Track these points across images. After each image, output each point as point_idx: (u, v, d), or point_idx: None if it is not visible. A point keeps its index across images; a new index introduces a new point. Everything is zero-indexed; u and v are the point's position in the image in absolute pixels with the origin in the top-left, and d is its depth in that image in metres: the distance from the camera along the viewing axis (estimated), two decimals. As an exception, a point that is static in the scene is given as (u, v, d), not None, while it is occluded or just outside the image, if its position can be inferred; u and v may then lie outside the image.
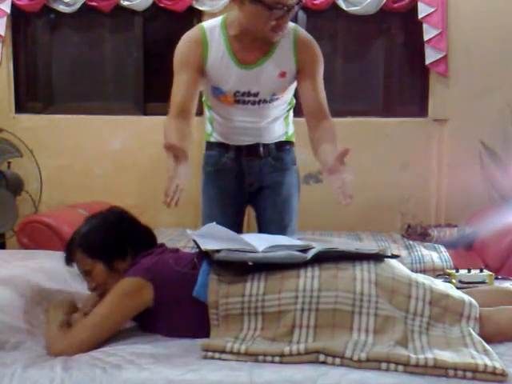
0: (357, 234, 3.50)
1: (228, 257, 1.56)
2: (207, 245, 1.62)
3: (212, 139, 2.17)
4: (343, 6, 3.66)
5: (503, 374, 1.29)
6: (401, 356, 1.34)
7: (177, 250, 1.78)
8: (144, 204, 3.82)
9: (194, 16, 3.75)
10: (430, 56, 3.63)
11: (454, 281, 2.01)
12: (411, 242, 3.26)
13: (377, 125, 3.79)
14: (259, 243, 1.63)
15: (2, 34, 3.79)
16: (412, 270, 1.76)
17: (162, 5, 3.75)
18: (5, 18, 3.78)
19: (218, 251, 1.58)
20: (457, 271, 2.08)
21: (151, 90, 3.95)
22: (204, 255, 1.64)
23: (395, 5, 3.65)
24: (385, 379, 1.30)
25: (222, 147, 2.14)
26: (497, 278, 2.13)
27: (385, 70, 3.89)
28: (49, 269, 1.97)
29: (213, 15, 2.04)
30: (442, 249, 3.14)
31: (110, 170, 3.89)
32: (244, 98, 1.99)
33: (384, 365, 1.34)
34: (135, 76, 3.97)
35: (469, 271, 2.06)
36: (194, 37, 1.95)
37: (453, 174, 3.68)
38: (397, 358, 1.34)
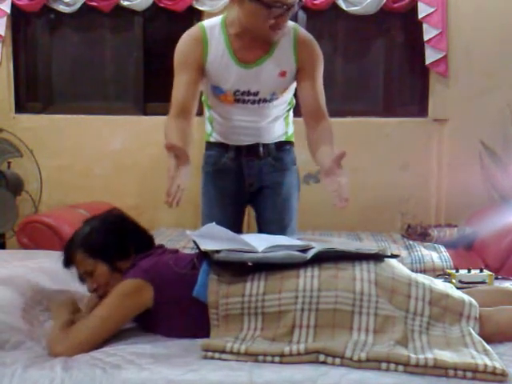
0: (357, 234, 3.50)
1: (228, 257, 1.56)
2: (207, 245, 1.62)
3: (212, 139, 2.17)
4: (343, 5, 3.66)
5: (503, 374, 1.29)
6: (401, 356, 1.34)
7: (176, 251, 1.78)
8: (144, 204, 3.83)
9: (193, 16, 3.75)
10: (430, 56, 3.63)
11: (453, 281, 2.01)
12: (411, 242, 3.26)
13: (377, 125, 3.79)
14: (259, 243, 1.63)
15: (2, 33, 3.79)
16: (412, 270, 1.76)
17: (162, 5, 3.75)
18: (5, 18, 3.78)
19: (217, 251, 1.58)
20: (457, 271, 2.08)
21: (151, 90, 3.95)
22: (204, 256, 1.64)
23: (395, 5, 3.65)
24: (385, 379, 1.30)
25: (221, 147, 2.14)
26: (497, 278, 2.13)
27: (385, 70, 3.89)
28: (49, 269, 1.97)
29: (213, 15, 2.04)
30: (442, 249, 3.14)
31: (110, 170, 3.89)
32: (244, 97, 1.99)
33: (384, 365, 1.34)
34: (135, 76, 3.97)
35: (469, 271, 2.06)
36: (194, 35, 1.95)
37: (453, 174, 3.68)
38: (397, 358, 1.34)
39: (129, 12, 3.83)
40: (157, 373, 1.33)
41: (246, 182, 2.14)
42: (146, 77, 3.95)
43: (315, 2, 3.68)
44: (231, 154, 2.12)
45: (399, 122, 3.77)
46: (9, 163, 3.78)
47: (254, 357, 1.40)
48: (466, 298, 1.56)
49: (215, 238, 1.67)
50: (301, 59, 1.96)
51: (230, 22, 1.93)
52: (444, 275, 2.19)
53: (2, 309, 1.59)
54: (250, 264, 1.57)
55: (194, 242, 1.69)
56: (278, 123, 2.12)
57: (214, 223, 1.77)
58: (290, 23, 1.96)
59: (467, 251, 3.22)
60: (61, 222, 3.19)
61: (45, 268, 1.98)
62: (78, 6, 3.77)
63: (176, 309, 1.58)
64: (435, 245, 3.21)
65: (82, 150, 3.90)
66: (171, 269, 1.60)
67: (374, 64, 3.92)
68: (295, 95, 2.11)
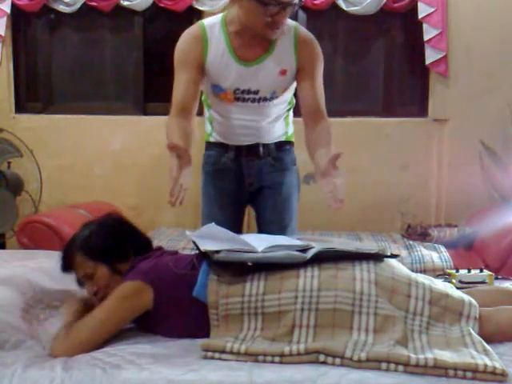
0: (357, 234, 3.50)
1: (227, 257, 1.56)
2: (206, 245, 1.62)
3: (212, 139, 2.17)
4: (343, 5, 3.66)
5: (503, 374, 1.29)
6: (401, 356, 1.34)
7: (176, 253, 1.78)
8: (144, 204, 3.84)
9: (193, 16, 3.75)
10: (430, 56, 3.63)
11: (454, 281, 2.01)
12: (411, 242, 3.26)
13: (377, 125, 3.79)
14: (259, 243, 1.63)
15: (2, 33, 3.79)
16: (412, 270, 1.76)
17: (162, 5, 3.75)
18: (5, 18, 3.78)
19: (217, 252, 1.58)
20: (457, 271, 2.08)
21: (151, 90, 3.95)
22: (203, 256, 1.64)
23: (395, 5, 3.65)
24: (385, 379, 1.30)
25: (221, 147, 2.14)
26: (497, 278, 2.13)
27: (385, 70, 3.89)
28: (49, 269, 1.97)
29: (213, 15, 2.04)
30: (442, 249, 3.14)
31: (110, 170, 3.89)
32: (244, 96, 1.99)
33: (384, 365, 1.34)
34: (135, 76, 3.97)
35: (469, 271, 2.06)
36: (194, 34, 1.95)
37: (453, 174, 3.68)
38: (397, 358, 1.34)
39: (129, 12, 3.83)
40: (157, 373, 1.33)
41: (245, 181, 2.14)
42: (145, 77, 3.95)
43: (315, 2, 3.68)
44: (231, 154, 2.12)
45: (399, 121, 3.77)
46: (9, 163, 3.78)
47: (254, 357, 1.40)
48: (466, 297, 1.56)
49: (215, 239, 1.67)
50: (301, 58, 1.96)
51: (230, 20, 1.94)
52: (444, 275, 2.19)
53: (1, 308, 1.59)
54: (249, 264, 1.57)
55: (194, 242, 1.69)
56: (278, 123, 2.12)
57: (213, 223, 1.77)
58: (291, 22, 1.97)
59: (467, 251, 3.22)
60: (61, 222, 3.19)
61: (45, 268, 1.98)
62: (77, 5, 3.78)
63: (176, 309, 1.58)
64: (435, 245, 3.21)
65: (82, 149, 3.90)
66: (171, 270, 1.60)
67: (374, 64, 3.92)
68: (295, 95, 2.11)
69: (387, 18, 3.78)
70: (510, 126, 3.56)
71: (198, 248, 1.66)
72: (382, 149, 3.75)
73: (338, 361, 1.37)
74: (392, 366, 1.33)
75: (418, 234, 3.40)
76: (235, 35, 1.93)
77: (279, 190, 2.15)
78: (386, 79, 3.89)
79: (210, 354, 1.42)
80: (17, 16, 3.87)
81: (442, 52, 3.61)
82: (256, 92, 1.98)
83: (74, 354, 1.46)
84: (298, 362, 1.38)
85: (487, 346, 1.40)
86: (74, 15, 3.84)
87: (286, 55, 1.96)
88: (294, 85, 2.05)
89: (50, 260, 2.06)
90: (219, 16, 1.98)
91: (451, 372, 1.31)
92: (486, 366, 1.30)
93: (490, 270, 2.15)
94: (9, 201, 3.57)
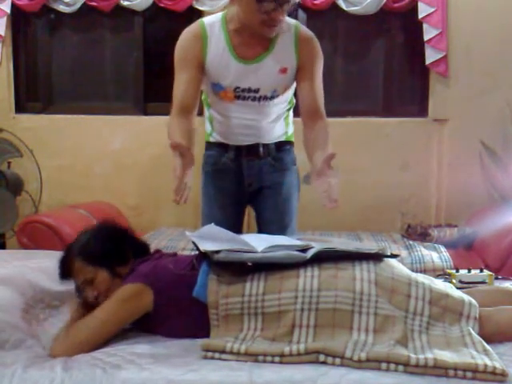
0: (357, 234, 3.50)
1: (227, 257, 1.56)
2: (206, 246, 1.62)
3: (212, 139, 2.17)
4: (343, 5, 3.66)
5: (503, 374, 1.29)
6: (401, 356, 1.34)
7: (174, 255, 1.79)
8: (144, 204, 3.84)
9: (193, 16, 3.74)
10: (430, 56, 3.63)
11: (454, 281, 2.01)
12: (411, 242, 3.26)
13: (377, 125, 3.79)
14: (258, 243, 1.63)
15: (2, 33, 3.79)
16: (412, 270, 1.76)
17: (162, 5, 3.75)
18: (5, 18, 3.78)
19: (217, 252, 1.58)
20: (457, 271, 2.08)
21: (151, 90, 3.95)
22: (203, 256, 1.64)
23: (395, 5, 3.65)
24: (385, 379, 1.30)
25: (221, 147, 2.14)
26: (497, 278, 2.13)
27: (385, 70, 3.89)
28: (49, 269, 1.97)
29: (213, 15, 2.05)
30: (442, 249, 3.14)
31: (110, 170, 3.89)
32: (244, 94, 1.99)
33: (384, 365, 1.34)
34: (135, 76, 3.98)
35: (469, 271, 2.06)
36: (194, 32, 1.96)
37: (453, 173, 3.68)
38: (397, 358, 1.34)
39: (129, 12, 3.83)
40: (157, 373, 1.33)
41: (245, 182, 2.14)
42: (145, 77, 3.95)
43: (315, 2, 3.68)
44: (231, 154, 2.12)
45: (399, 121, 3.77)
46: (9, 163, 3.78)
47: (253, 357, 1.39)
48: (466, 297, 1.56)
49: (215, 239, 1.67)
50: (302, 56, 1.96)
51: (230, 18, 1.94)
52: (444, 275, 2.19)
53: (1, 308, 1.59)
54: (249, 264, 1.57)
55: (194, 242, 1.69)
56: (278, 123, 2.12)
57: (213, 224, 1.77)
58: (291, 20, 1.97)
59: (467, 251, 3.22)
60: (61, 222, 3.19)
61: (45, 268, 1.98)
62: (78, 5, 3.78)
63: (176, 310, 1.58)
64: (435, 245, 3.21)
65: (82, 149, 3.90)
66: (170, 271, 1.60)
67: (374, 64, 3.92)
68: (295, 94, 2.11)
69: (387, 17, 3.78)
70: (510, 126, 3.56)
71: (197, 248, 1.66)
72: (382, 149, 3.75)
73: (338, 361, 1.37)
74: (392, 366, 1.33)
75: (418, 233, 3.40)
76: (235, 33, 1.94)
77: (279, 190, 2.15)
78: (386, 79, 3.89)
79: (209, 354, 1.42)
80: (17, 16, 3.88)
81: (441, 52, 3.61)
82: (256, 90, 1.98)
83: (73, 354, 1.46)
84: (297, 362, 1.38)
85: (487, 346, 1.40)
86: (74, 15, 3.84)
87: (286, 53, 1.96)
88: (295, 84, 2.05)
89: (50, 260, 2.06)
90: (220, 14, 1.99)
91: (451, 372, 1.31)
92: (486, 366, 1.30)
93: (490, 270, 2.15)
94: (9, 201, 3.57)
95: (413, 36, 3.74)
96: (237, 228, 2.14)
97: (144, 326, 1.62)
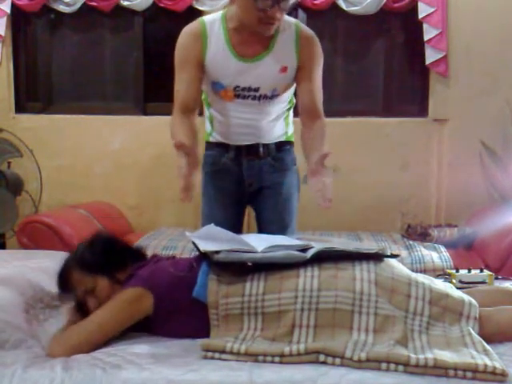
0: (357, 233, 3.50)
1: (227, 258, 1.56)
2: (206, 246, 1.62)
3: (212, 139, 2.17)
4: (343, 5, 3.67)
5: (503, 374, 1.29)
6: (401, 356, 1.34)
7: (173, 258, 1.79)
8: (144, 204, 3.84)
9: (193, 16, 3.72)
10: (430, 56, 3.63)
11: (454, 281, 2.01)
12: (411, 242, 3.26)
13: (377, 125, 3.79)
14: (258, 243, 1.63)
15: (2, 33, 3.79)
16: (412, 270, 1.76)
17: (162, 5, 3.75)
18: (5, 18, 3.78)
19: (217, 252, 1.58)
20: (457, 271, 2.08)
21: (151, 90, 3.95)
22: (203, 257, 1.64)
23: (395, 5, 3.65)
24: (385, 379, 1.30)
25: (221, 147, 2.13)
26: (497, 278, 2.13)
27: (385, 69, 3.89)
28: (49, 268, 1.97)
29: (213, 15, 2.05)
30: (442, 249, 3.14)
31: (110, 170, 3.89)
32: (244, 93, 1.99)
33: (384, 365, 1.34)
34: (135, 76, 3.97)
35: (469, 271, 2.06)
36: (194, 31, 1.96)
37: (453, 173, 3.68)
38: (397, 358, 1.34)
39: (129, 12, 3.84)
40: (157, 373, 1.33)
41: (245, 182, 2.14)
42: (145, 77, 3.95)
43: (315, 2, 3.68)
44: (231, 153, 2.12)
45: (399, 122, 3.77)
46: (9, 163, 3.78)
47: (253, 357, 1.39)
48: (466, 297, 1.56)
49: (214, 239, 1.67)
50: (302, 55, 1.96)
51: (230, 16, 1.94)
52: (444, 275, 2.19)
53: (1, 308, 1.59)
54: (249, 264, 1.57)
55: (193, 243, 1.69)
56: (278, 123, 2.12)
57: (212, 224, 1.77)
58: (291, 19, 1.97)
59: (467, 251, 3.22)
60: (61, 222, 3.19)
61: (45, 268, 1.98)
62: (78, 5, 3.78)
63: (176, 311, 1.58)
64: (435, 245, 3.21)
65: (82, 149, 3.90)
66: (170, 273, 1.60)
67: (374, 64, 3.92)
68: (295, 94, 2.11)
69: (387, 17, 3.78)
70: (509, 126, 3.56)
71: (197, 249, 1.66)
72: (382, 149, 3.75)
73: (338, 361, 1.37)
74: (392, 366, 1.33)
75: (418, 233, 3.40)
76: (234, 32, 1.94)
77: (279, 190, 2.15)
78: (386, 79, 3.89)
79: (210, 354, 1.42)
80: (17, 16, 3.88)
81: (441, 52, 3.61)
82: (256, 89, 1.98)
83: (69, 354, 1.45)
84: (297, 362, 1.38)
85: (487, 346, 1.40)
86: (73, 15, 3.84)
87: (286, 52, 1.96)
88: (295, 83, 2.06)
89: (50, 260, 2.06)
90: (220, 12, 1.99)
91: (451, 372, 1.31)
92: (485, 366, 1.30)
93: (490, 270, 2.15)
94: (9, 201, 3.57)
95: (413, 36, 3.74)
96: (237, 228, 2.14)
97: (144, 327, 1.62)
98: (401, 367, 1.33)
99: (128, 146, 3.87)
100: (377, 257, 1.61)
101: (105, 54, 4.07)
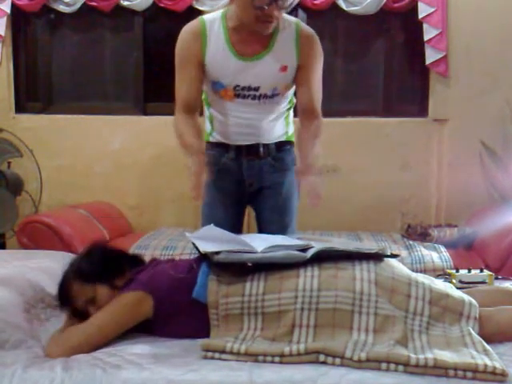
0: (357, 234, 3.49)
1: (227, 258, 1.56)
2: (206, 247, 1.62)
3: (212, 139, 2.17)
4: (343, 5, 3.66)
5: (503, 374, 1.29)
6: (401, 356, 1.34)
7: (172, 260, 1.79)
8: (144, 204, 3.83)
9: (193, 16, 3.71)
10: (430, 56, 3.63)
11: (454, 281, 2.01)
12: (411, 242, 3.26)
13: (377, 125, 3.79)
14: (258, 243, 1.63)
15: (2, 33, 3.79)
16: (412, 270, 1.76)
17: (162, 5, 3.75)
18: (5, 18, 3.78)
19: (217, 253, 1.58)
20: (457, 271, 2.08)
21: (151, 90, 3.95)
22: (203, 258, 1.64)
23: (395, 5, 3.65)
24: (385, 379, 1.30)
25: (221, 147, 2.13)
26: (497, 278, 2.13)
27: (385, 69, 3.89)
28: (49, 269, 1.97)
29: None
30: (442, 249, 3.14)
31: (110, 170, 3.88)
32: (244, 93, 1.99)
33: (384, 365, 1.34)
34: (135, 76, 3.97)
35: (469, 271, 2.06)
36: (193, 30, 1.96)
37: (453, 173, 3.67)
38: (397, 358, 1.34)
39: (129, 12, 3.83)
40: (157, 373, 1.34)
41: (246, 182, 2.14)
42: (145, 77, 3.95)
43: (315, 2, 3.68)
44: (231, 153, 2.12)
45: (399, 121, 3.77)
46: (9, 163, 3.78)
47: (253, 357, 1.40)
48: (466, 297, 1.56)
49: (214, 240, 1.67)
50: (302, 54, 1.96)
51: (230, 16, 1.94)
52: (444, 275, 2.19)
53: (1, 308, 1.59)
54: (249, 264, 1.57)
55: (193, 244, 1.69)
56: (278, 123, 2.12)
57: (212, 225, 1.77)
58: (291, 18, 1.98)
59: (467, 251, 3.22)
60: (61, 222, 3.19)
61: (45, 268, 1.98)
62: (78, 5, 3.77)
63: (176, 313, 1.58)
64: (435, 245, 3.21)
65: (82, 149, 3.90)
66: (170, 275, 1.61)
67: (374, 64, 3.92)
68: (295, 94, 2.11)
69: (387, 17, 3.77)
70: (510, 126, 3.56)
71: (197, 249, 1.66)
72: (382, 149, 3.75)
73: (338, 361, 1.37)
74: (392, 366, 1.33)
75: (418, 233, 3.40)
76: (234, 31, 1.94)
77: (279, 190, 2.15)
78: (386, 79, 3.89)
79: (210, 354, 1.42)
80: (17, 16, 3.87)
81: (441, 52, 3.61)
82: (256, 89, 1.98)
83: (67, 356, 1.45)
84: (297, 362, 1.38)
85: (487, 346, 1.40)
86: (74, 15, 3.84)
87: (286, 51, 1.96)
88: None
89: (50, 260, 2.07)
90: (220, 11, 2.00)
91: (451, 372, 1.31)
92: (486, 366, 1.30)
93: (490, 270, 2.15)
94: (9, 201, 3.57)
95: (413, 36, 3.74)
96: (237, 228, 2.14)
97: (144, 329, 1.61)
98: (401, 367, 1.33)
99: (128, 146, 3.87)
100: (377, 257, 1.61)
101: (105, 54, 4.06)
